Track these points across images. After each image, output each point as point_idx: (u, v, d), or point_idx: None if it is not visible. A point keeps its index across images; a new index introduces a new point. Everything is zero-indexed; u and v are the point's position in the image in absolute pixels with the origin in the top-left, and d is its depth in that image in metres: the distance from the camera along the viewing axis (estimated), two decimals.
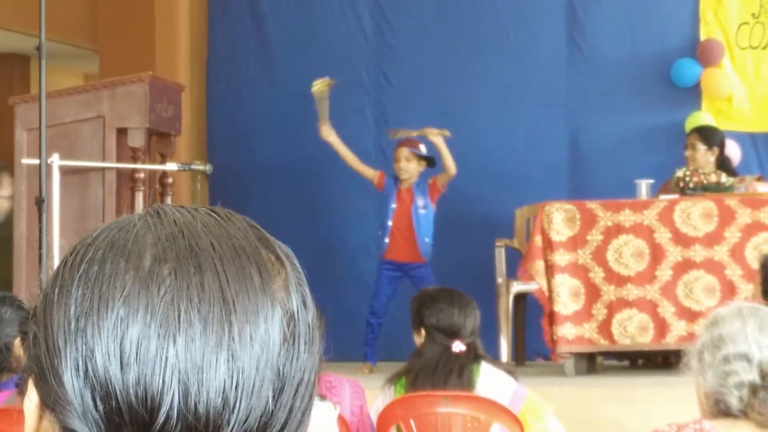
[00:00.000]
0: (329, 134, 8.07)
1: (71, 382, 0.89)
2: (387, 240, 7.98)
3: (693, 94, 8.97)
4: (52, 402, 0.90)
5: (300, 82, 9.45)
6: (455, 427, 4.31)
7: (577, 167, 9.09)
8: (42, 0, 5.97)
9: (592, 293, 7.21)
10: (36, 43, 6.21)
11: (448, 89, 9.18)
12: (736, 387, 2.73)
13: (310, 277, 0.98)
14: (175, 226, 0.94)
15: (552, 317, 7.21)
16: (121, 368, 0.88)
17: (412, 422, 4.32)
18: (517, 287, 7.64)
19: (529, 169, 8.96)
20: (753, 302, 3.00)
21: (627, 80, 9.03)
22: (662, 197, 7.40)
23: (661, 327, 7.13)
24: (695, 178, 7.44)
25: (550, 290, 7.21)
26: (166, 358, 0.88)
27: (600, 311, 7.20)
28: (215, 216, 0.96)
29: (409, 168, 7.91)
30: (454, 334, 4.40)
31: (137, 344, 0.88)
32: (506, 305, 7.64)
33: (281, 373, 0.92)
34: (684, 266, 7.15)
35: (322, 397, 3.72)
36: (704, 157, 7.72)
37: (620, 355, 7.89)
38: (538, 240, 7.27)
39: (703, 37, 9.00)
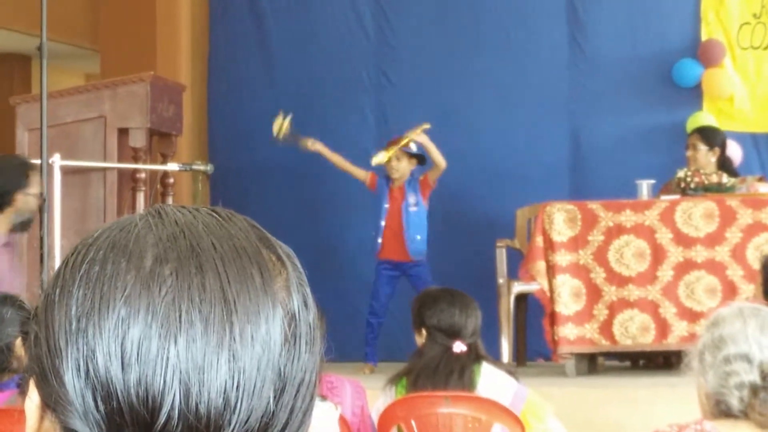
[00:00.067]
0: (313, 145, 8.16)
1: (72, 382, 0.89)
2: (380, 240, 8.00)
3: (694, 95, 8.97)
4: (53, 402, 0.90)
5: (301, 82, 9.47)
6: (456, 427, 4.31)
7: (577, 167, 9.09)
8: (43, 0, 5.97)
9: (594, 294, 7.21)
10: (37, 43, 6.22)
11: (449, 89, 9.18)
12: (736, 387, 2.73)
13: (310, 277, 0.98)
14: (176, 227, 0.94)
15: (553, 317, 7.21)
16: (122, 368, 0.88)
17: (413, 423, 4.32)
18: (518, 288, 7.64)
19: (529, 170, 8.96)
20: (754, 303, 2.99)
21: (628, 80, 9.03)
22: (663, 198, 7.40)
23: (663, 327, 7.13)
24: (696, 179, 7.44)
25: (551, 291, 7.21)
26: (167, 358, 0.88)
27: (601, 312, 7.19)
28: (216, 216, 0.96)
29: (400, 167, 7.93)
30: (455, 334, 4.40)
31: (138, 344, 0.88)
32: (507, 305, 7.64)
33: (282, 374, 0.92)
34: (685, 267, 7.15)
35: (323, 398, 3.72)
36: (705, 157, 7.72)
37: (621, 356, 7.89)
38: (539, 240, 7.27)
39: (704, 37, 9.00)
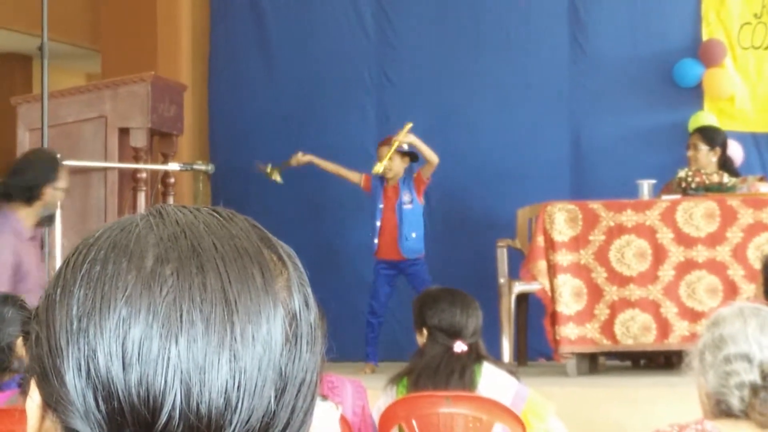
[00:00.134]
0: (303, 157, 8.21)
1: (73, 382, 0.89)
2: (376, 240, 8.01)
3: (695, 95, 8.97)
4: (54, 402, 0.91)
5: (302, 82, 9.47)
6: (457, 427, 4.31)
7: (578, 167, 9.09)
8: (44, 0, 5.98)
9: (595, 293, 7.21)
10: (38, 43, 6.23)
11: (450, 89, 9.19)
12: (737, 387, 2.73)
13: (311, 276, 0.98)
14: (177, 227, 0.94)
15: (554, 317, 7.21)
16: (123, 368, 0.88)
17: (414, 422, 4.32)
18: (519, 287, 7.65)
19: (530, 169, 8.96)
20: (755, 302, 2.99)
21: (629, 80, 9.03)
22: (664, 197, 7.40)
23: (664, 327, 7.13)
24: (697, 179, 7.44)
25: (552, 290, 7.21)
26: (168, 358, 0.88)
27: (602, 311, 7.19)
28: (217, 216, 0.96)
29: (394, 166, 7.94)
30: (455, 334, 4.40)
31: (139, 344, 0.88)
32: (508, 305, 7.64)
33: (283, 373, 0.92)
34: (686, 266, 7.14)
35: (324, 398, 3.73)
36: (706, 157, 7.71)
37: (622, 356, 7.89)
38: (540, 240, 7.27)
39: (705, 37, 9.00)
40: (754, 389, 2.72)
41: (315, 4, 9.53)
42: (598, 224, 7.22)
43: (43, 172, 5.84)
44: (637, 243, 7.18)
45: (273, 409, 0.91)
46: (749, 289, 6.80)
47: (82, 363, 0.89)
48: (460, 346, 4.38)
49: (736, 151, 8.43)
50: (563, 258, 7.20)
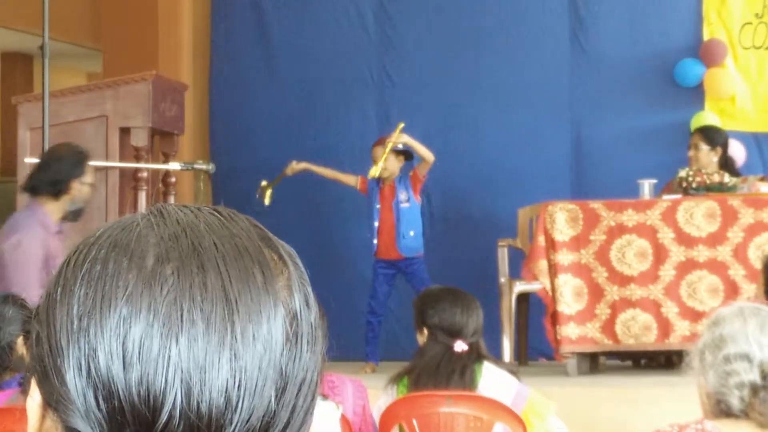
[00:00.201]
0: (297, 165, 8.24)
1: (74, 381, 0.89)
2: (375, 241, 8.02)
3: (696, 94, 8.96)
4: (54, 401, 0.91)
5: (303, 82, 9.47)
6: (458, 426, 4.31)
7: (579, 167, 9.09)
8: None
9: (596, 293, 7.21)
10: (39, 42, 6.23)
11: (451, 88, 9.19)
12: (736, 387, 2.73)
13: (312, 276, 0.99)
14: (177, 226, 0.94)
15: (555, 317, 7.21)
16: (124, 368, 0.88)
17: (414, 422, 4.33)
18: (519, 287, 7.65)
19: (531, 169, 8.96)
20: (756, 302, 2.99)
21: (630, 80, 9.03)
22: (665, 197, 7.40)
23: (665, 327, 7.13)
24: (698, 178, 7.44)
25: (553, 290, 7.21)
26: (169, 357, 0.88)
27: (603, 311, 7.19)
28: (218, 215, 0.96)
29: (389, 165, 7.94)
30: (456, 333, 4.40)
31: (140, 343, 0.88)
32: (509, 305, 7.64)
33: (284, 373, 0.92)
34: (687, 266, 7.14)
35: (325, 397, 3.72)
36: (707, 157, 7.71)
37: (623, 355, 7.89)
38: (540, 240, 7.27)
39: (706, 37, 9.00)
40: (754, 389, 2.72)
41: (316, 4, 9.53)
42: (599, 224, 7.22)
43: (70, 166, 5.86)
44: (637, 243, 7.18)
45: (273, 409, 0.91)
46: (750, 289, 6.80)
47: (83, 362, 0.89)
48: (460, 346, 4.38)
49: (738, 151, 8.43)
50: (564, 258, 7.20)
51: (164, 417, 0.88)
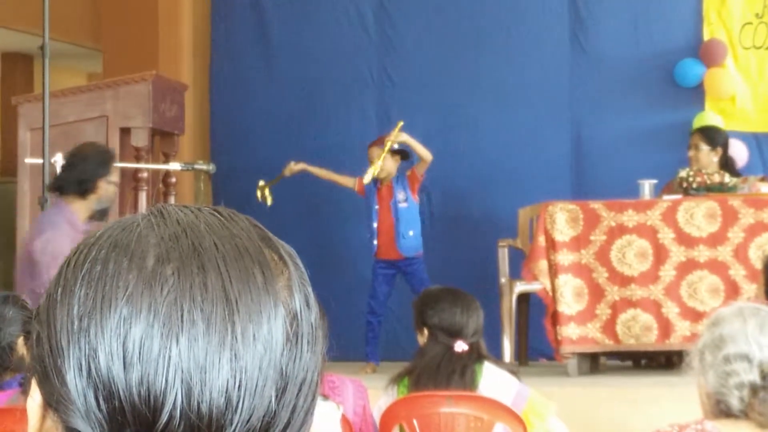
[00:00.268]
0: (296, 166, 8.26)
1: (74, 381, 0.89)
2: (375, 242, 8.02)
3: (696, 94, 8.96)
4: (55, 402, 0.91)
5: (303, 82, 9.48)
6: (458, 427, 4.31)
7: (579, 167, 9.09)
8: None
9: (596, 293, 7.21)
10: (39, 42, 6.22)
11: (451, 88, 9.19)
12: (736, 387, 2.73)
13: (312, 276, 0.99)
14: (178, 226, 0.94)
15: (556, 317, 7.21)
16: (124, 368, 0.88)
17: (415, 422, 4.33)
18: (520, 287, 7.65)
19: (531, 169, 8.96)
20: (756, 302, 2.99)
21: (630, 80, 9.03)
22: (665, 197, 7.40)
23: (665, 327, 7.13)
24: (698, 179, 7.44)
25: (553, 290, 7.21)
26: (169, 357, 0.88)
27: (604, 311, 7.19)
28: (218, 216, 0.96)
29: (385, 166, 7.94)
30: (456, 333, 4.40)
31: (140, 344, 0.88)
32: (509, 305, 7.64)
33: (284, 373, 0.92)
34: (688, 266, 7.14)
35: (325, 397, 3.72)
36: (707, 157, 7.71)
37: (623, 356, 7.89)
38: (541, 240, 7.27)
39: (706, 37, 9.00)
40: (754, 389, 2.72)
41: (316, 4, 9.54)
42: (599, 224, 7.22)
43: (97, 165, 5.87)
44: (638, 243, 7.18)
45: (274, 409, 0.91)
46: (750, 289, 6.80)
47: (83, 362, 0.89)
48: (460, 346, 4.38)
49: (740, 152, 8.43)
50: (564, 258, 7.20)
51: (164, 417, 0.88)
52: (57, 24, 7.03)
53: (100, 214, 5.97)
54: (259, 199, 8.28)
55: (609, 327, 7.18)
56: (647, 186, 7.46)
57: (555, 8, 9.15)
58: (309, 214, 9.26)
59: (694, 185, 7.42)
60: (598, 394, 6.60)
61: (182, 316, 0.89)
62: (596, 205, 7.27)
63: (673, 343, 7.07)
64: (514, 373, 4.56)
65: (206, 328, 0.89)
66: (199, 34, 9.75)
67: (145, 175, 7.07)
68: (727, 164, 7.76)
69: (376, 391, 4.55)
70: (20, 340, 3.83)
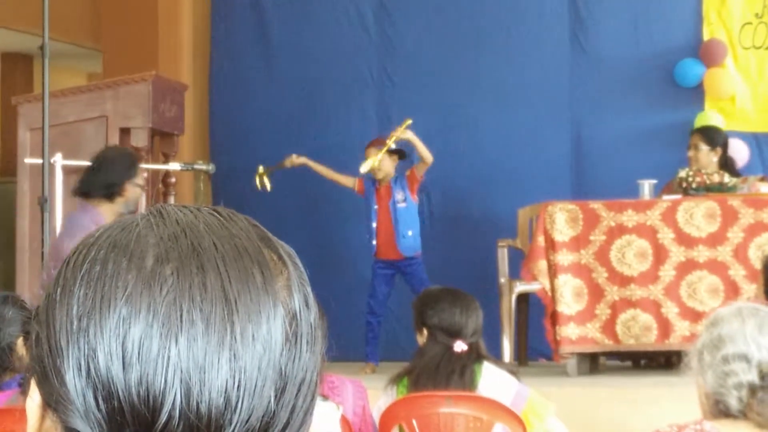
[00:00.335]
0: (297, 159, 8.25)
1: (73, 381, 0.89)
2: (374, 242, 8.02)
3: (696, 94, 8.96)
4: (54, 402, 0.91)
5: (303, 82, 9.48)
6: (458, 427, 4.31)
7: (579, 167, 9.09)
8: None
9: (596, 293, 7.21)
10: (39, 42, 6.22)
11: (451, 88, 9.19)
12: (735, 387, 2.73)
13: (311, 276, 0.99)
14: (177, 226, 0.94)
15: (555, 317, 7.21)
16: (123, 368, 0.88)
17: (414, 422, 4.33)
18: (519, 287, 7.65)
19: (531, 169, 8.96)
20: (756, 302, 2.99)
21: (630, 80, 9.03)
22: (665, 197, 7.40)
23: (665, 327, 7.13)
24: (698, 179, 7.44)
25: (553, 290, 7.21)
26: (168, 357, 0.88)
27: (603, 311, 7.19)
28: (218, 216, 0.96)
29: (383, 165, 7.93)
30: (455, 333, 4.40)
31: (139, 344, 0.89)
32: (509, 305, 7.64)
33: (283, 373, 0.92)
34: (687, 266, 7.14)
35: (325, 398, 3.72)
36: (707, 157, 7.72)
37: (622, 356, 7.89)
38: (540, 240, 7.27)
39: (706, 37, 9.00)
40: (753, 389, 2.72)
41: (316, 4, 9.53)
42: (599, 224, 7.22)
43: (123, 168, 5.87)
44: (637, 243, 7.18)
45: (273, 409, 0.91)
46: (750, 289, 6.80)
47: (82, 362, 0.89)
48: (460, 346, 4.38)
49: (741, 152, 8.43)
50: (564, 258, 7.20)
51: (164, 417, 0.88)
52: (57, 24, 7.03)
53: None
54: (258, 185, 8.27)
55: (608, 327, 7.19)
56: (647, 186, 7.46)
57: (555, 8, 9.15)
58: (308, 213, 9.26)
59: (694, 185, 7.42)
60: (597, 395, 6.60)
61: (181, 316, 0.89)
62: (596, 205, 7.27)
63: (673, 343, 7.07)
64: (513, 373, 4.56)
65: (205, 328, 0.89)
66: (199, 34, 9.75)
67: (144, 175, 7.07)
68: (726, 164, 7.76)
69: (376, 392, 4.55)
70: (20, 341, 3.83)
